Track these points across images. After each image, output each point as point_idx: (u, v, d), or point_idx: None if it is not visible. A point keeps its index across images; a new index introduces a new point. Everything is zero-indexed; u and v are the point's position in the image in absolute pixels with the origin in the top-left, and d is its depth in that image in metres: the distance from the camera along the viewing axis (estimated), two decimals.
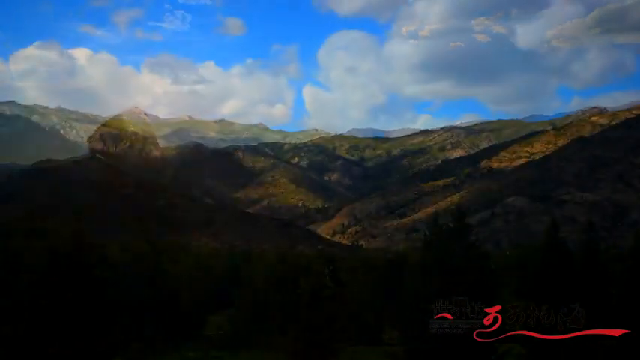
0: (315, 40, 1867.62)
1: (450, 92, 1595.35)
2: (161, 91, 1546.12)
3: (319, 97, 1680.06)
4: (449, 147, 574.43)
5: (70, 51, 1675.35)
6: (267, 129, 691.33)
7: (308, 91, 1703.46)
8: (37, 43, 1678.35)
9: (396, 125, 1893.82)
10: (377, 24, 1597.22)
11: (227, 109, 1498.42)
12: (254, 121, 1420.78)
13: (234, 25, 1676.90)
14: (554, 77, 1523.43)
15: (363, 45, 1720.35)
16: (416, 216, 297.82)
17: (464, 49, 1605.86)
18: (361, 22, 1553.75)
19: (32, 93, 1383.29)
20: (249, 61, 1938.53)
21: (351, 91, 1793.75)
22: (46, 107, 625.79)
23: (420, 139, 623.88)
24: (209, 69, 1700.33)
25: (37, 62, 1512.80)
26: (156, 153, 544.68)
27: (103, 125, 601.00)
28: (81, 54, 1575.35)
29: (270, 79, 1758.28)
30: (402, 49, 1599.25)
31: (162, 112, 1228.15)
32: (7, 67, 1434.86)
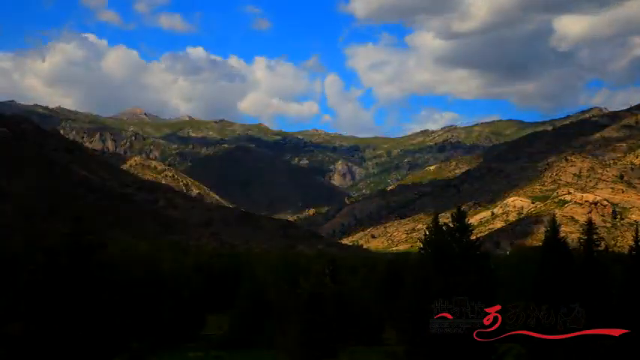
0: (338, 35, 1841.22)
1: (477, 91, 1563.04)
2: (179, 86, 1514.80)
3: (341, 94, 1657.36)
4: (449, 147, 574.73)
5: (84, 35, 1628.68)
6: (267, 129, 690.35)
7: (329, 88, 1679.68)
8: (44, 43, 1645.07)
9: (418, 124, 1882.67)
10: (403, 18, 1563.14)
11: (246, 104, 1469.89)
12: (273, 116, 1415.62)
13: (260, 22, 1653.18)
14: (589, 73, 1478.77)
15: (388, 41, 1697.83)
16: (416, 216, 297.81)
17: (494, 47, 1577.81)
18: (386, 16, 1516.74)
19: (33, 93, 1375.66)
20: (270, 56, 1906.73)
21: (377, 88, 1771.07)
22: (46, 107, 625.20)
23: (420, 139, 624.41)
24: (231, 63, 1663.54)
25: (39, 61, 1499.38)
26: (155, 153, 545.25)
27: (103, 125, 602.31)
28: (94, 43, 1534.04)
29: (292, 74, 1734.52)
30: (428, 45, 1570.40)
31: (179, 109, 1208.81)
32: (9, 65, 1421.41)
